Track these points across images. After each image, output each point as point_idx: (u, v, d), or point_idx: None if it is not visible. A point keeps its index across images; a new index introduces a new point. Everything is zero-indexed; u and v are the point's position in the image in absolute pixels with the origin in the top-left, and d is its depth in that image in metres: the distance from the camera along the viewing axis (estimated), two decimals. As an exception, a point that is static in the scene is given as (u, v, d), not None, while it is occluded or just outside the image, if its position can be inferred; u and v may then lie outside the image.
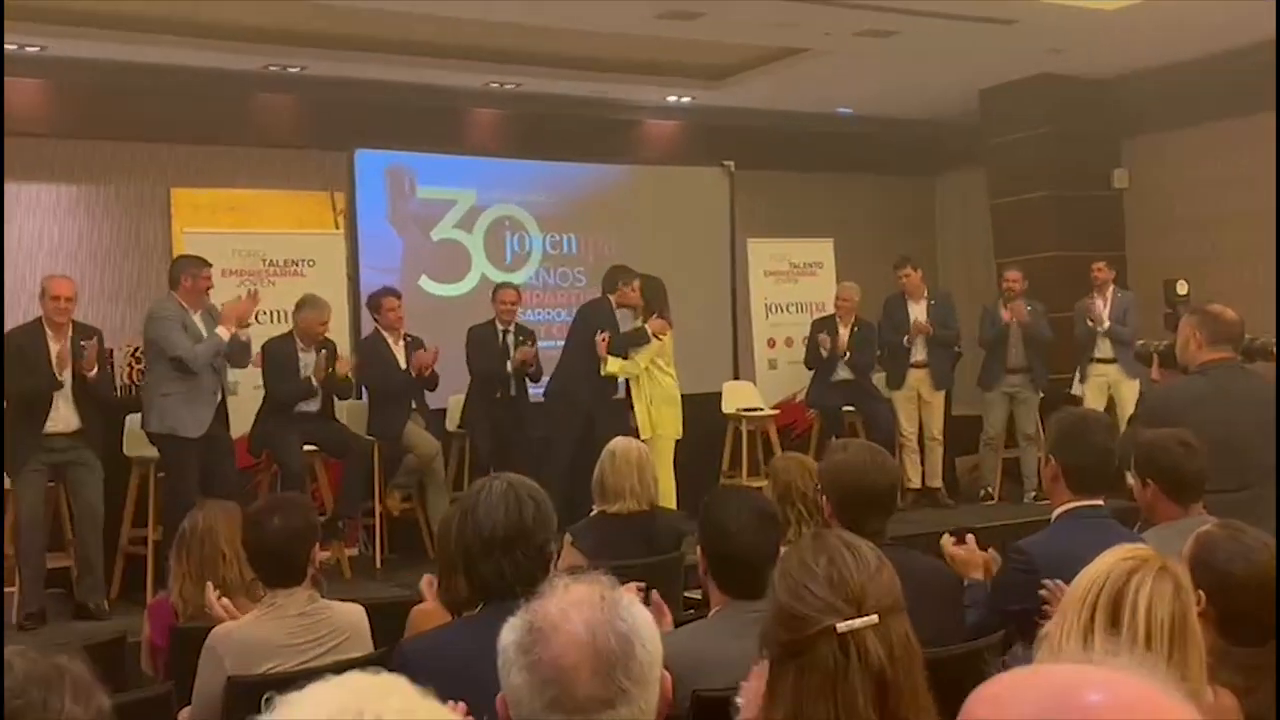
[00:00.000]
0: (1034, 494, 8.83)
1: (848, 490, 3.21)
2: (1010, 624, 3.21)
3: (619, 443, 4.82)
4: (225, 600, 3.45)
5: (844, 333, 8.69)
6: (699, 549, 2.92)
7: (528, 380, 7.68)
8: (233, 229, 7.99)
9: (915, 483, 8.87)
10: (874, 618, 1.73)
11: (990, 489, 8.90)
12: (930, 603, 3.13)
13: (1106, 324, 8.68)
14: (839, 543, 1.83)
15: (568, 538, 4.74)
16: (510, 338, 7.62)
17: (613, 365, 7.42)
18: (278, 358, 6.97)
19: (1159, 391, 4.63)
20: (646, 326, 7.53)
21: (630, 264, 8.73)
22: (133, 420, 6.80)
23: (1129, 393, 8.66)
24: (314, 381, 6.94)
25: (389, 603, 3.97)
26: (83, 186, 8.95)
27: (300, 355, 6.99)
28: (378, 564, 7.38)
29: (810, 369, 8.83)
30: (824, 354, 8.61)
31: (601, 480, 4.72)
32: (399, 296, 7.45)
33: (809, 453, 8.77)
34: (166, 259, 8.91)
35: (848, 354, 8.59)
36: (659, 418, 7.45)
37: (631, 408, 7.52)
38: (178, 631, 3.73)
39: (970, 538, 3.56)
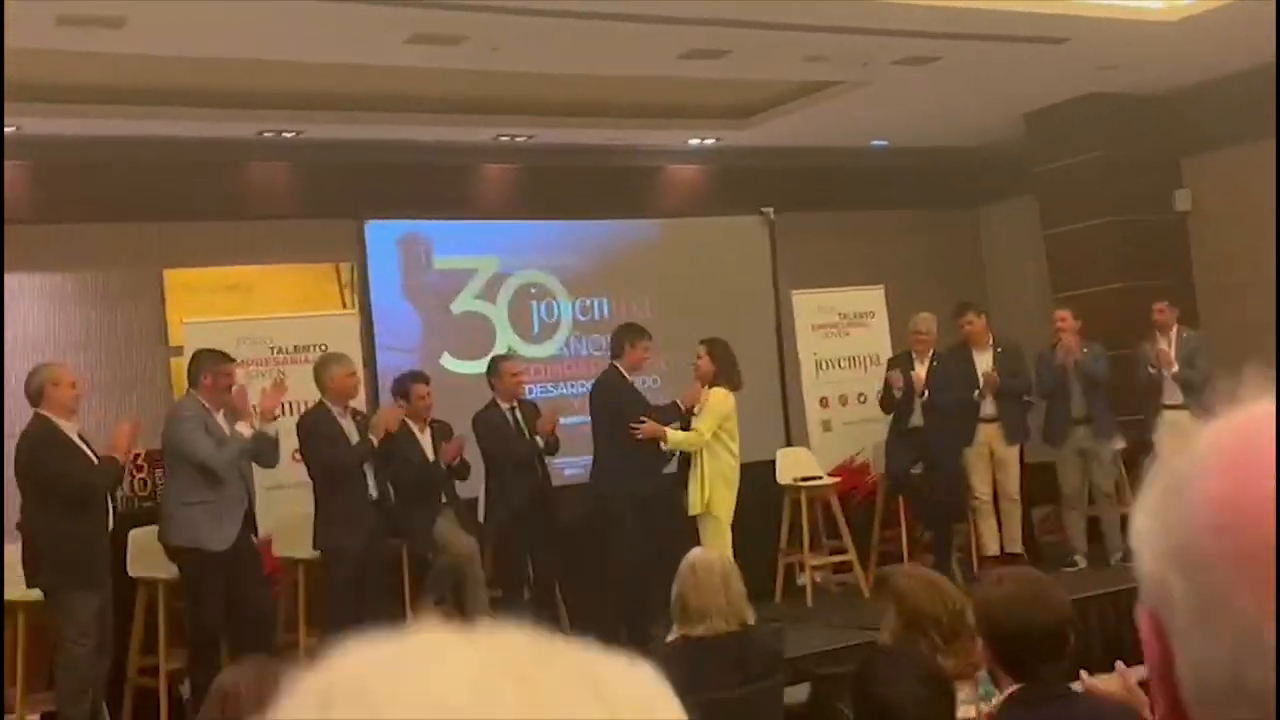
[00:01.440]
0: (1120, 555, 8.56)
1: (1009, 633, 2.91)
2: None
3: (698, 555, 4.54)
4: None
5: (920, 370, 8.37)
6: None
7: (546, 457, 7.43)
8: (235, 315, 7.75)
9: (993, 549, 8.59)
10: None
11: (1077, 556, 8.58)
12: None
13: (1175, 368, 8.41)
14: None
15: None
16: (519, 414, 7.34)
17: (674, 437, 7.11)
18: (320, 427, 6.65)
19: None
20: (678, 400, 7.23)
21: (668, 326, 8.53)
22: (138, 536, 6.52)
23: (1204, 439, 8.38)
24: (374, 442, 6.63)
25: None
26: (66, 274, 8.69)
27: (340, 421, 6.70)
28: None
29: (886, 412, 8.48)
30: (897, 394, 8.26)
31: (683, 599, 4.42)
32: (428, 382, 7.19)
33: (874, 521, 8.57)
34: (160, 348, 8.75)
35: (925, 393, 8.26)
36: (715, 498, 7.15)
37: (684, 484, 7.23)
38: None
39: (1122, 672, 3.23)
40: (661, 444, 7.09)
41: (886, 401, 8.42)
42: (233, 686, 3.54)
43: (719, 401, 7.20)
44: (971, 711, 3.57)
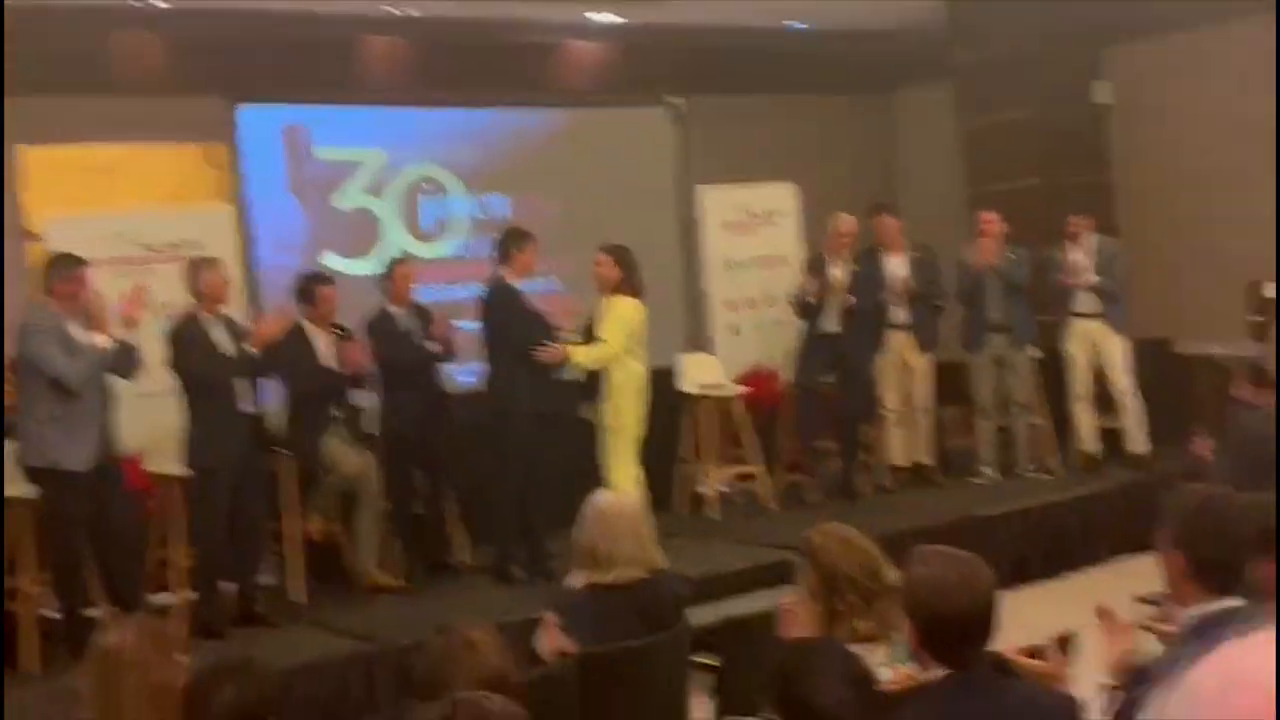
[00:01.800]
0: (1033, 467, 8.55)
1: (934, 615, 2.79)
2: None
3: (607, 500, 4.31)
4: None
5: (839, 273, 8.09)
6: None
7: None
8: (100, 203, 7.25)
9: (902, 459, 8.51)
10: None
11: (984, 467, 8.53)
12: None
13: (1094, 279, 8.30)
14: None
15: (551, 617, 4.25)
16: (410, 321, 7.01)
17: (579, 355, 6.79)
18: (189, 337, 6.23)
19: (1256, 416, 4.20)
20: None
21: (573, 223, 8.20)
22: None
23: (1116, 351, 8.37)
24: (249, 353, 6.25)
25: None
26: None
27: (210, 330, 6.29)
28: (304, 598, 6.81)
29: (801, 317, 8.22)
30: (811, 300, 8.00)
31: (591, 547, 4.20)
32: (333, 283, 6.83)
33: (782, 431, 8.42)
34: (15, 234, 8.20)
35: (848, 299, 8.00)
36: (625, 410, 6.89)
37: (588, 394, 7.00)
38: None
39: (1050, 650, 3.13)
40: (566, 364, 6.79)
41: (800, 305, 8.16)
42: (116, 646, 3.27)
43: (629, 312, 6.88)
44: (888, 673, 3.44)
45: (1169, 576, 3.00)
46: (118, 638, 3.27)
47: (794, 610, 3.51)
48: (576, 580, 4.30)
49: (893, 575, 3.53)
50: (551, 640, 4.17)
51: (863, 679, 2.42)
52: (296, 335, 6.75)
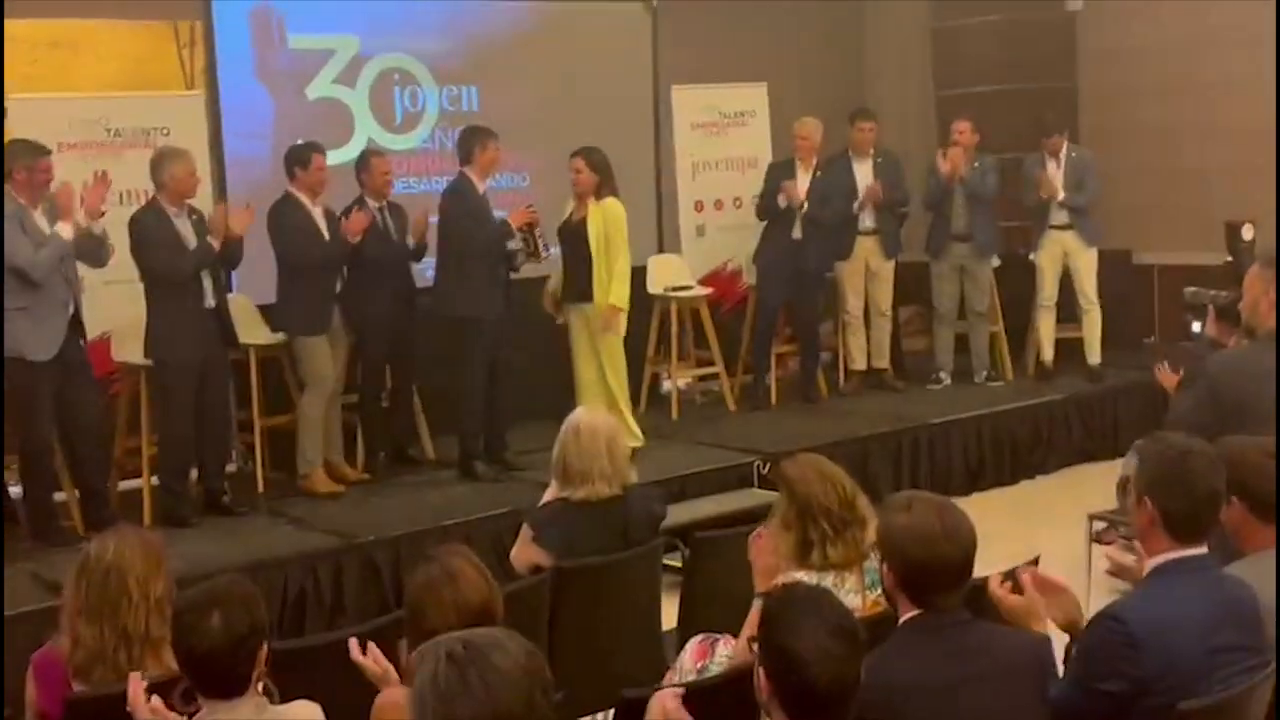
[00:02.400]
0: (985, 374, 8.73)
1: (914, 562, 2.86)
2: (1102, 706, 2.93)
3: (583, 417, 4.39)
4: (156, 702, 2.97)
5: (803, 180, 8.13)
6: (760, 672, 2.53)
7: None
8: (63, 85, 7.12)
9: (860, 364, 8.66)
10: None
11: (943, 373, 8.69)
12: (1015, 684, 2.87)
13: (1062, 194, 8.40)
14: None
15: (526, 530, 4.37)
16: (387, 218, 7.00)
17: (616, 298, 7.03)
18: (152, 231, 6.17)
19: (1221, 358, 4.31)
20: (507, 219, 6.94)
21: (541, 118, 8.14)
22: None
23: (1087, 262, 8.55)
24: (214, 246, 6.22)
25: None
26: None
27: (175, 223, 6.25)
28: (260, 486, 6.92)
29: (763, 219, 8.26)
30: (783, 204, 8.04)
31: (564, 462, 4.31)
32: (324, 153, 6.76)
33: (743, 332, 8.52)
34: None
35: (804, 205, 8.05)
36: (621, 292, 7.08)
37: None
38: (76, 702, 3.27)
39: (1027, 578, 3.22)
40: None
41: (767, 209, 8.19)
42: (114, 560, 3.34)
43: (620, 215, 7.06)
44: (858, 601, 3.58)
45: (1138, 525, 3.08)
46: (114, 551, 3.34)
47: (766, 538, 3.63)
48: (551, 494, 4.40)
49: (864, 504, 3.67)
50: (526, 554, 4.30)
51: (849, 631, 2.52)
52: (290, 205, 6.69)
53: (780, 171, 8.22)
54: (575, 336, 7.20)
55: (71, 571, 3.38)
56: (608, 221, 7.01)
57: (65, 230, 5.93)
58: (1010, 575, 3.22)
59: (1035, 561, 3.61)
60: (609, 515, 4.30)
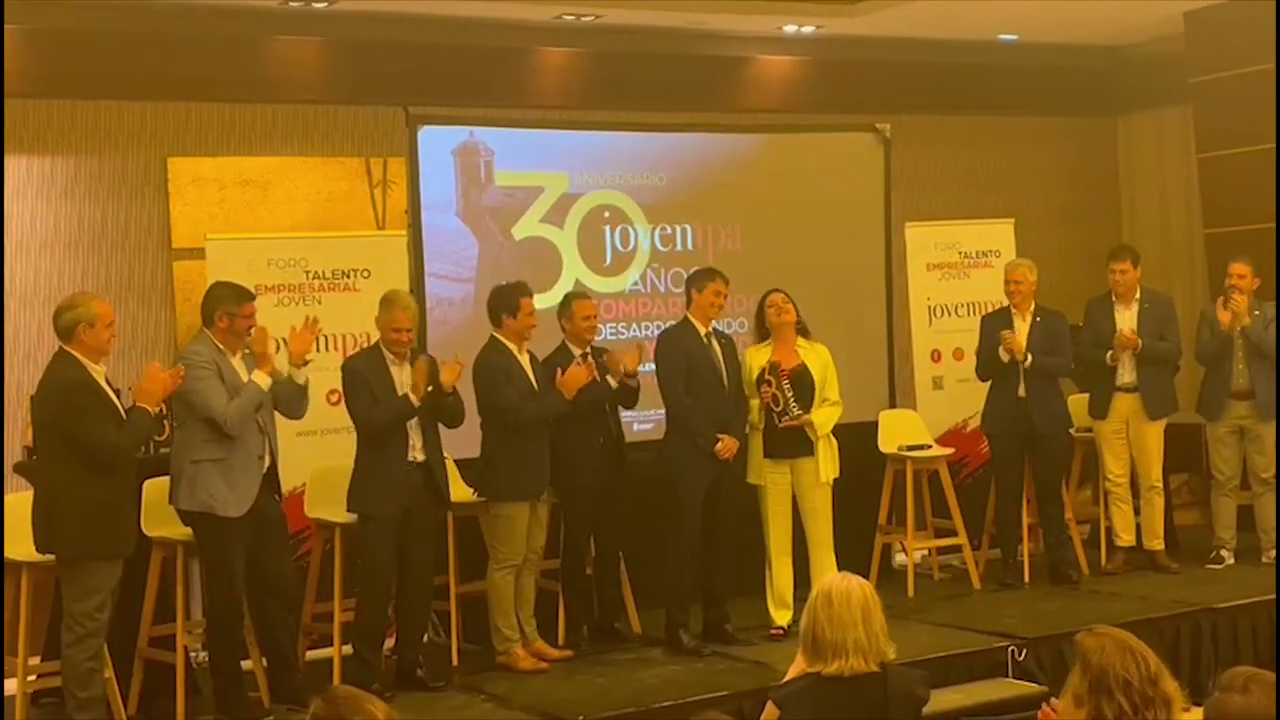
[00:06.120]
0: (1274, 552, 8.58)
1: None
2: None
3: (835, 582, 4.53)
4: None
5: (1021, 327, 8.28)
6: None
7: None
8: (262, 232, 7.71)
9: (1127, 538, 8.57)
10: None
11: (1224, 550, 8.59)
12: None
13: None
14: None
15: (771, 708, 4.50)
16: (591, 364, 7.27)
17: (822, 420, 7.36)
18: (362, 376, 6.58)
19: None
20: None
21: (761, 261, 8.46)
22: (154, 488, 6.56)
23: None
24: (413, 401, 6.57)
25: None
26: (57, 158, 8.62)
27: (391, 370, 6.65)
28: (454, 659, 7.21)
29: (984, 379, 8.43)
30: (1006, 358, 8.17)
31: (814, 632, 4.43)
32: (533, 296, 7.13)
33: (988, 497, 8.59)
34: (163, 250, 8.75)
35: (1028, 358, 8.18)
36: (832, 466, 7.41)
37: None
38: None
39: None
40: (812, 433, 7.33)
41: (987, 367, 8.36)
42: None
43: (830, 357, 7.44)
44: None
45: None
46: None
47: (1052, 715, 3.69)
48: (797, 670, 4.53)
49: (1171, 683, 3.71)
50: (772, 731, 4.43)
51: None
52: (503, 355, 7.00)
53: (995, 323, 8.37)
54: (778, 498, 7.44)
55: None
56: (818, 358, 7.40)
57: (262, 379, 6.29)
58: None
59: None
60: (865, 694, 4.38)
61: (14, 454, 7.53)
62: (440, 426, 6.80)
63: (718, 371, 7.29)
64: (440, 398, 6.68)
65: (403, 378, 6.65)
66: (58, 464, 5.88)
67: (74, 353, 5.89)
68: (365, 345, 7.03)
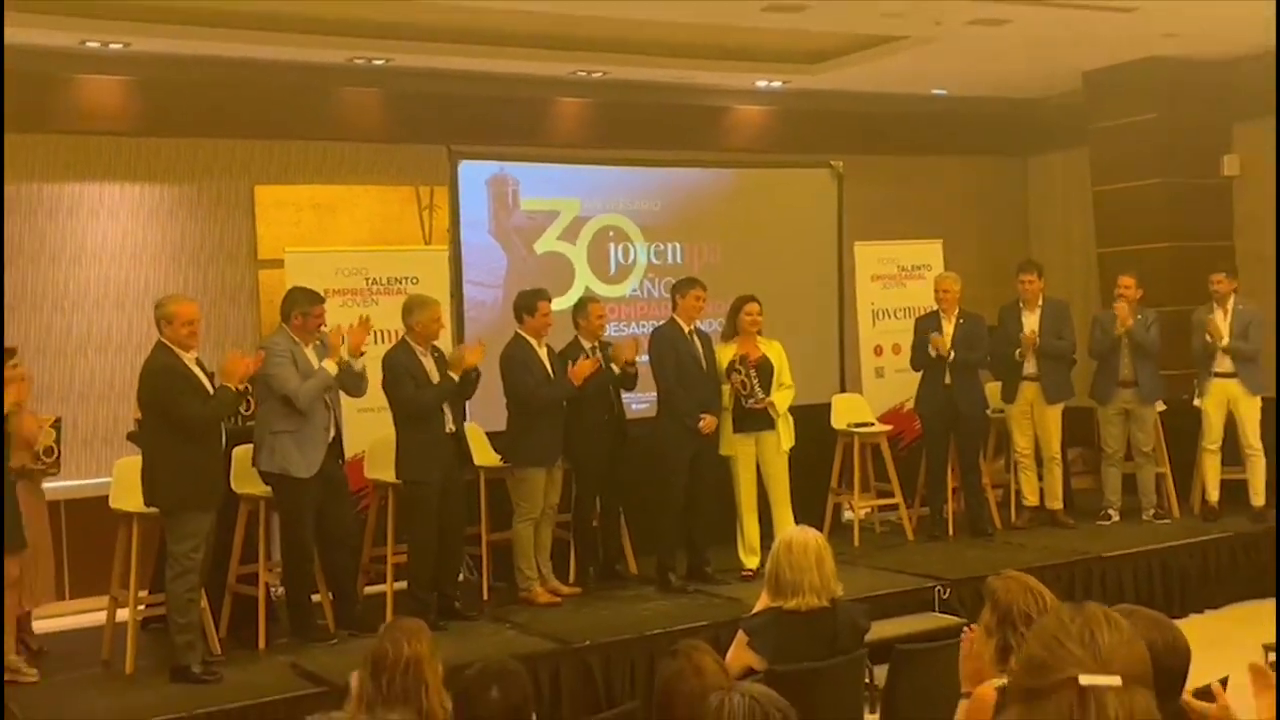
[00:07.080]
0: (1152, 512, 8.57)
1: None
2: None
3: (794, 533, 4.52)
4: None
5: (947, 329, 8.27)
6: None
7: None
8: (328, 243, 7.72)
9: (1033, 500, 8.57)
10: (1117, 679, 1.69)
11: (1111, 510, 8.57)
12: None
13: (1226, 340, 8.30)
14: (1099, 612, 1.82)
15: (741, 635, 4.49)
16: (600, 355, 7.27)
17: (780, 402, 7.33)
18: (404, 366, 6.56)
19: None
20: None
21: (736, 272, 8.45)
22: (240, 454, 6.56)
23: (1250, 409, 8.35)
24: (455, 379, 6.57)
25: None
26: (164, 186, 8.63)
27: (422, 360, 6.63)
28: (484, 594, 7.19)
29: (917, 370, 8.42)
30: (934, 354, 8.18)
31: (777, 574, 4.42)
32: (549, 299, 7.11)
33: (920, 467, 8.58)
34: (250, 261, 8.75)
35: (951, 354, 8.18)
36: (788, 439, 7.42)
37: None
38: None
39: (1218, 687, 3.20)
40: (773, 411, 7.35)
41: (919, 359, 8.32)
42: (395, 647, 3.49)
43: (783, 350, 7.46)
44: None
45: None
46: (410, 646, 3.49)
47: (970, 641, 3.69)
48: (763, 604, 4.53)
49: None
50: (741, 657, 4.42)
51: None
52: (524, 348, 7.00)
53: (926, 324, 8.35)
54: (746, 465, 7.42)
55: (365, 667, 3.43)
56: (778, 352, 7.41)
57: (331, 366, 6.34)
58: (1204, 692, 3.22)
59: (1224, 682, 3.59)
60: (818, 625, 4.38)
61: (128, 425, 7.54)
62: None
63: (700, 362, 7.30)
64: (465, 377, 6.69)
65: (428, 365, 6.63)
66: (156, 434, 5.89)
67: (166, 342, 5.90)
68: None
